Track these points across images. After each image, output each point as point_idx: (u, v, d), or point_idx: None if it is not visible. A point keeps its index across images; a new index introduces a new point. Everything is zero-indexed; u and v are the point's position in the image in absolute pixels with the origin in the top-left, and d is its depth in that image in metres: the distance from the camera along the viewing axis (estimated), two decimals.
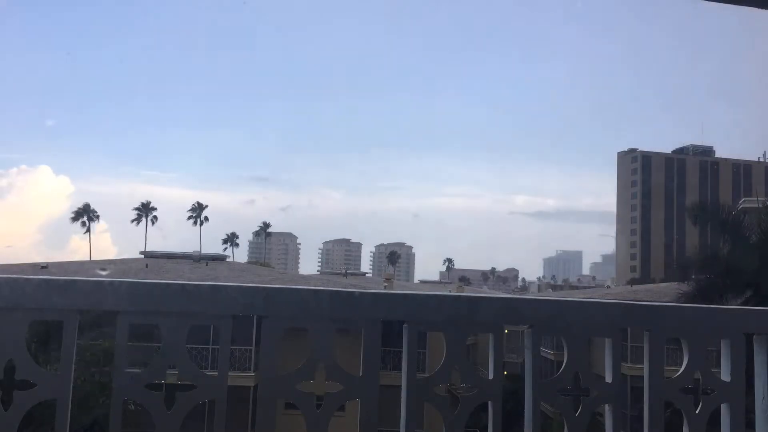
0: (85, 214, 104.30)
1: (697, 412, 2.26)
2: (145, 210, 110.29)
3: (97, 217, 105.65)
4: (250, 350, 28.33)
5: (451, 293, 2.30)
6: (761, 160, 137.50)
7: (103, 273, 34.31)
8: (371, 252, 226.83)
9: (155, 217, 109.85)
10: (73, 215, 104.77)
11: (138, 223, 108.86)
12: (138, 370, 1.94)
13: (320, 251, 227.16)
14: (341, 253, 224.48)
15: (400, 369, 2.11)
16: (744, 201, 31.24)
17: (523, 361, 2.26)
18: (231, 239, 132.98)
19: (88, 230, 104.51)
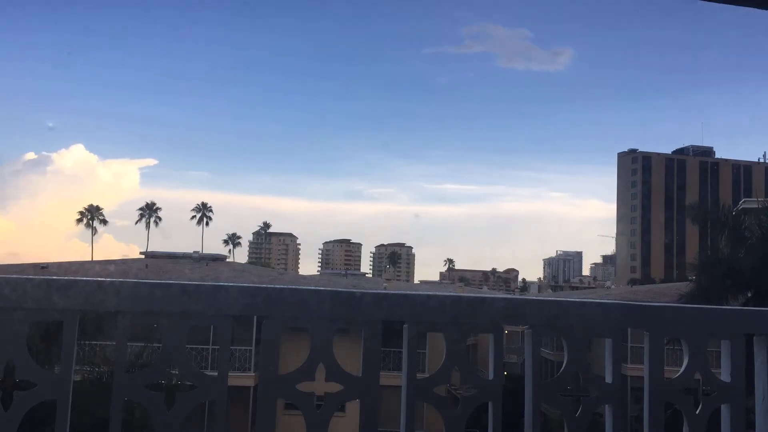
0: (90, 215, 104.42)
1: (697, 412, 2.26)
2: (148, 210, 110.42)
3: (104, 220, 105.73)
4: (250, 350, 28.35)
5: (452, 294, 2.30)
6: (761, 160, 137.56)
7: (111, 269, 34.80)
8: (371, 252, 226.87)
9: (158, 217, 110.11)
10: (78, 216, 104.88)
11: (147, 225, 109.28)
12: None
13: (320, 251, 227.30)
14: (341, 253, 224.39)
15: (400, 369, 2.11)
16: (744, 202, 31.22)
17: (523, 361, 2.26)
18: (232, 239, 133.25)
19: (93, 230, 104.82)
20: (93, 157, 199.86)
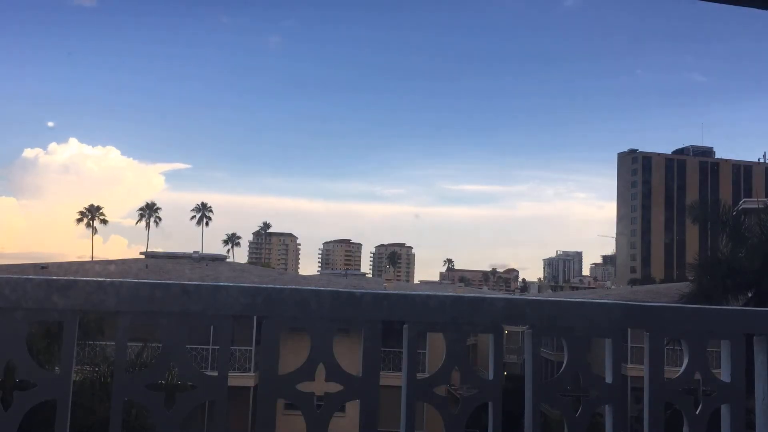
0: (90, 215, 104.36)
1: (697, 412, 2.26)
2: (148, 210, 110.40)
3: (104, 221, 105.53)
4: (250, 350, 28.34)
5: (452, 294, 2.30)
6: (761, 161, 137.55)
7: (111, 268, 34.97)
8: (371, 252, 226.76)
9: (158, 217, 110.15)
10: (78, 216, 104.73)
11: (147, 225, 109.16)
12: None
13: (320, 251, 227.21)
14: (341, 253, 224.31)
15: (400, 369, 2.11)
16: (744, 202, 31.22)
17: (523, 361, 2.26)
18: (232, 239, 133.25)
19: (93, 230, 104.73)
20: (128, 161, 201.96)
